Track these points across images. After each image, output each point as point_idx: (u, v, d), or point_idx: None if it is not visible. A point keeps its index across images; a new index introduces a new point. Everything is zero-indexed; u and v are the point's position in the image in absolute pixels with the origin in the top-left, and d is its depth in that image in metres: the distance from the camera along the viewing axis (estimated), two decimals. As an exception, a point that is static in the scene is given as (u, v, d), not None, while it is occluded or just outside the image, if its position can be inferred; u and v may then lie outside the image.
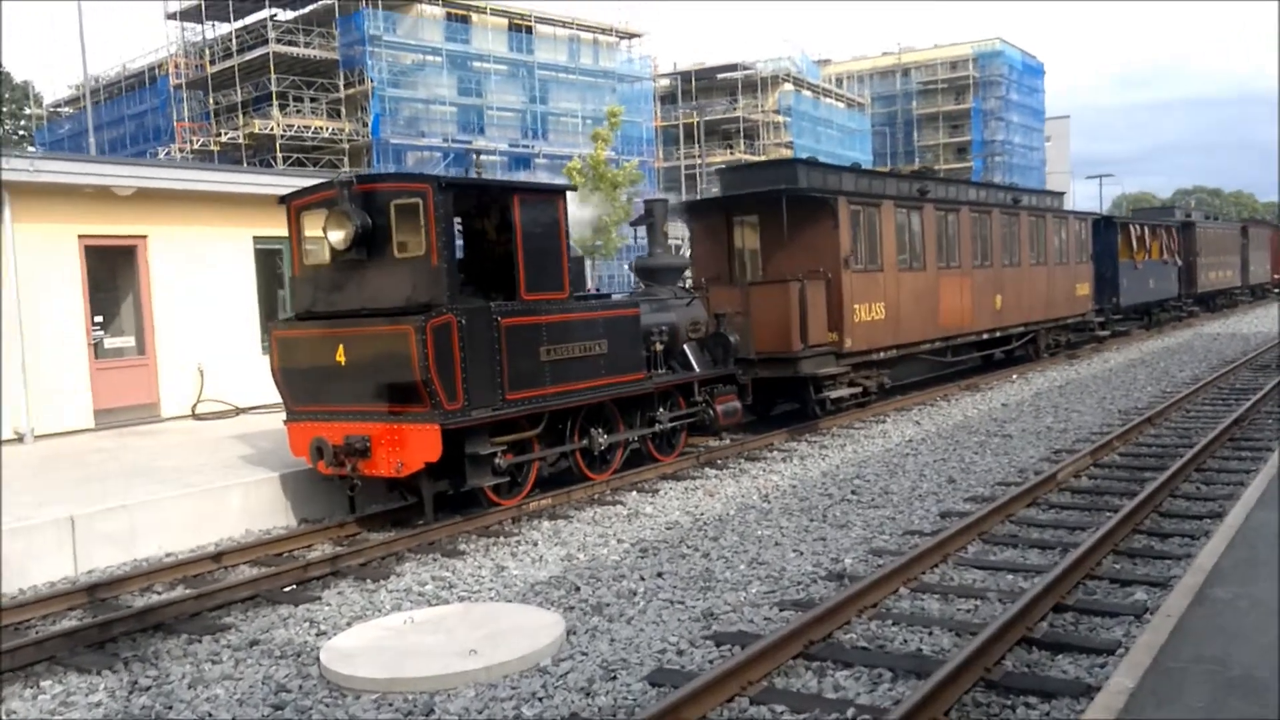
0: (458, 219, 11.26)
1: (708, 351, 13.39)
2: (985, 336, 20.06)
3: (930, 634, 6.58)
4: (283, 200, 10.36)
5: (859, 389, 15.90)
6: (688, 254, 16.52)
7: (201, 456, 11.86)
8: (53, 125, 70.16)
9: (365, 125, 48.76)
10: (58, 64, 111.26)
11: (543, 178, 43.86)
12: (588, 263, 37.01)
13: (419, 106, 50.34)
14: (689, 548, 8.98)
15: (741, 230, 16.08)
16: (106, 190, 13.85)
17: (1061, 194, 25.67)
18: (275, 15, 51.31)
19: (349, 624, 7.36)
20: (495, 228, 10.97)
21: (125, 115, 60.55)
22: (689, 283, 15.21)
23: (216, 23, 53.31)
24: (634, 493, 11.48)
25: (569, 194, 10.93)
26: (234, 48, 50.23)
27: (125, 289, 14.79)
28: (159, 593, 8.35)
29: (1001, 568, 7.94)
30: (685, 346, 13.09)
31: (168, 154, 50.14)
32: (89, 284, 14.09)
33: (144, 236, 14.63)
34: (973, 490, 10.85)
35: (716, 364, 13.36)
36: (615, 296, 11.85)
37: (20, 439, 13.20)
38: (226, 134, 49.78)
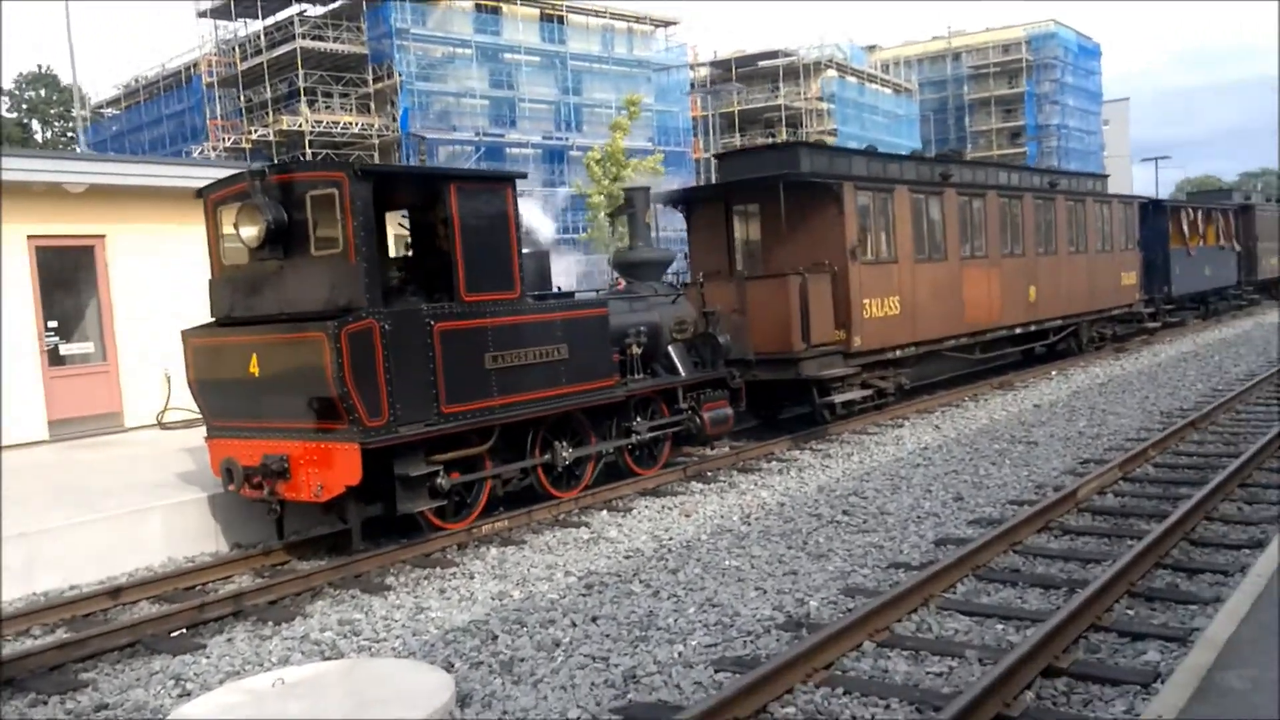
0: (404, 213, 10.24)
1: (696, 353, 12.23)
2: (1018, 331, 18.64)
3: (887, 708, 5.41)
4: (200, 194, 9.41)
5: (871, 391, 14.64)
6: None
7: (143, 473, 10.97)
8: (96, 126, 70.50)
9: (395, 120, 48.05)
10: (102, 65, 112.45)
11: (578, 170, 42.79)
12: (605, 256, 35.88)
13: (449, 100, 49.46)
14: (641, 583, 7.87)
15: (742, 221, 14.89)
16: (58, 188, 13.04)
17: (1105, 176, 24.09)
18: (304, 11, 50.79)
19: (221, 681, 6.36)
20: (443, 222, 9.90)
21: (164, 115, 60.60)
22: (688, 277, 14.09)
23: (247, 20, 52.91)
24: (604, 512, 10.38)
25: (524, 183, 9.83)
26: (262, 45, 49.77)
27: (85, 292, 13.98)
28: (35, 637, 7.42)
29: (992, 614, 6.72)
30: (670, 348, 11.94)
31: (201, 153, 49.91)
32: (41, 287, 13.28)
33: (102, 236, 13.80)
34: (980, 510, 9.60)
35: (705, 367, 12.20)
36: (580, 295, 10.75)
37: (-41, 452, 12.45)
38: (257, 131, 49.36)
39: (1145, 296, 24.43)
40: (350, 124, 48.39)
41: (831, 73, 71.22)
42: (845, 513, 9.74)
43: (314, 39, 48.34)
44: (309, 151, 46.43)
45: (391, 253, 10.43)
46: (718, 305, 12.85)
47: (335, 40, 48.76)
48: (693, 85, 65.54)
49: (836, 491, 10.72)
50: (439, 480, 9.03)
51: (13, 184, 12.63)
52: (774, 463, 12.56)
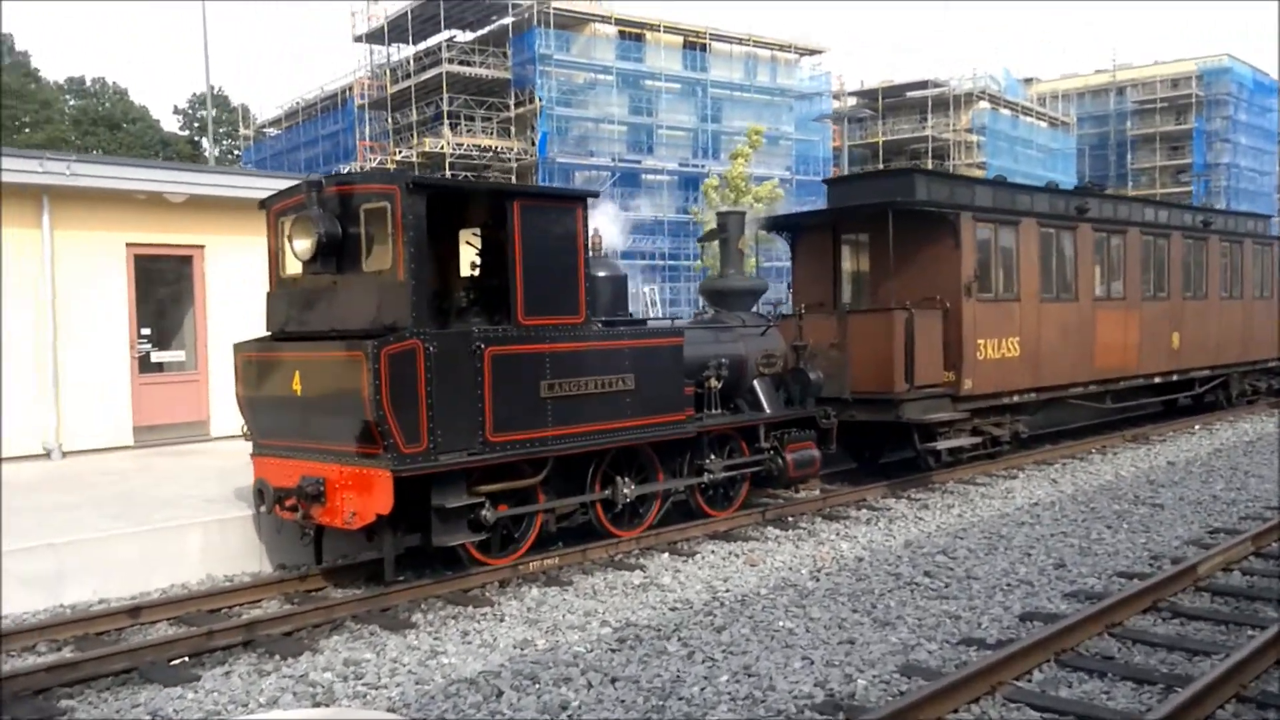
0: (474, 231, 9.80)
1: (785, 389, 11.43)
2: (1158, 380, 17.10)
3: (911, 824, 4.55)
4: (263, 204, 9.17)
5: (982, 438, 13.51)
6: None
7: (207, 485, 10.80)
8: (259, 145, 73.75)
9: (534, 144, 48.49)
10: (267, 87, 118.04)
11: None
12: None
13: (588, 125, 49.66)
14: (679, 640, 7.13)
15: (851, 251, 14.00)
16: (159, 197, 13.16)
17: (1268, 217, 22.12)
18: (454, 36, 51.91)
19: (200, 721, 5.93)
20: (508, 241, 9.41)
21: (320, 135, 62.91)
22: (784, 307, 13.32)
23: (400, 45, 54.47)
24: (665, 555, 9.66)
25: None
26: (410, 69, 51.10)
27: (182, 301, 14.06)
28: (40, 654, 7.16)
29: (1067, 711, 5.73)
30: (756, 383, 11.18)
31: (349, 172, 51.39)
32: (138, 295, 13.42)
33: (201, 246, 13.88)
34: (1082, 581, 8.50)
35: (793, 404, 11.38)
36: (653, 323, 10.08)
37: (48, 455, 12.57)
38: (401, 152, 50.59)
39: (1310, 349, 22.26)
40: (490, 147, 49.04)
41: (983, 104, 68.90)
42: (927, 574, 8.78)
43: (461, 64, 49.29)
44: (448, 173, 47.27)
45: (464, 271, 9.99)
46: (811, 339, 12.04)
47: (481, 65, 49.59)
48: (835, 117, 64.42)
49: (925, 548, 9.75)
50: (484, 512, 8.51)
51: (114, 192, 12.81)
52: (863, 511, 11.62)
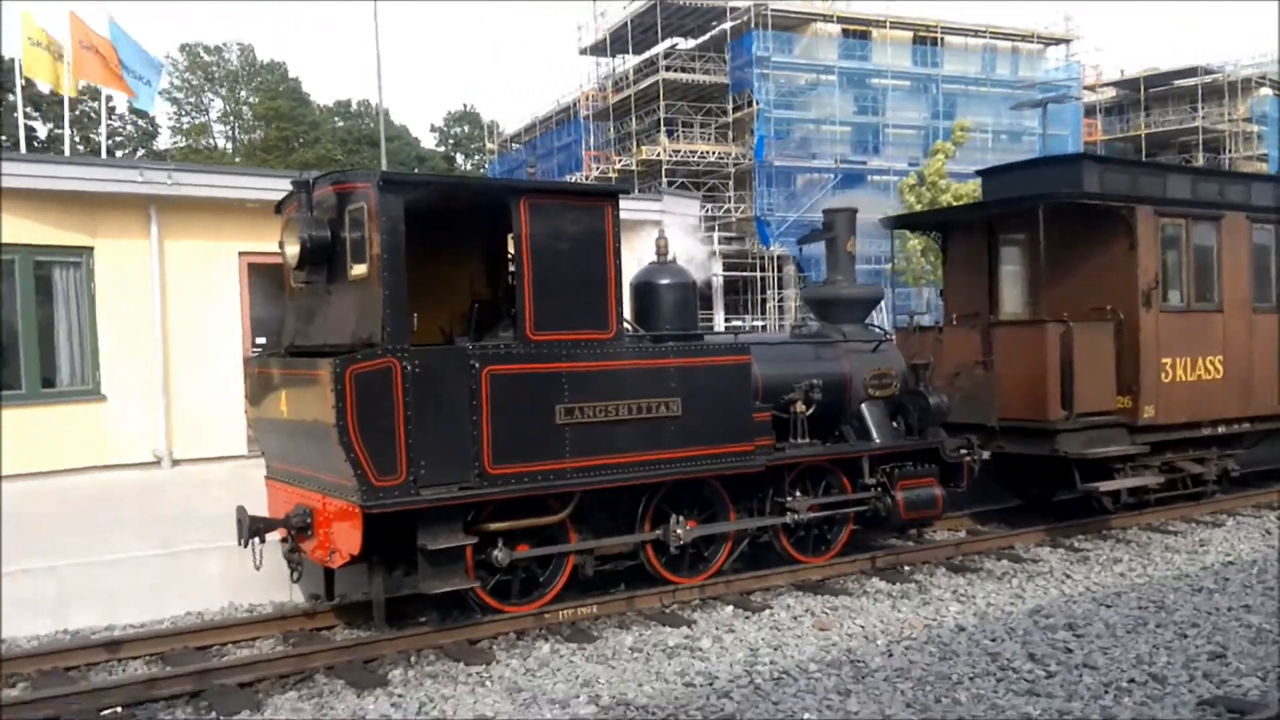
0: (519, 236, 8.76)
1: (903, 415, 9.73)
2: None
3: None
4: (279, 207, 8.52)
5: (1166, 478, 11.19)
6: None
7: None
8: (504, 157, 76.31)
9: (751, 148, 47.26)
10: (514, 103, 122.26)
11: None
12: (922, 291, 31.93)
13: (809, 127, 47.85)
14: (667, 731, 5.80)
15: (1014, 252, 11.99)
16: (271, 205, 12.92)
17: None
18: (675, 45, 51.53)
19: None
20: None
21: (555, 147, 64.33)
22: (926, 318, 11.56)
23: (625, 56, 54.66)
24: (729, 609, 8.28)
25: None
26: (630, 79, 51.17)
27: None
28: (-10, 691, 6.69)
29: None
30: (864, 406, 9.56)
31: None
32: (252, 303, 13.28)
33: (317, 254, 13.58)
34: (1235, 682, 6.47)
35: (911, 433, 9.67)
36: (710, 337, 8.67)
37: (158, 463, 12.57)
38: (622, 160, 50.65)
39: None
40: (707, 153, 48.24)
41: (1265, 91, 61.67)
42: (1034, 657, 6.98)
43: (680, 70, 48.79)
44: (664, 180, 46.85)
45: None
46: (953, 357, 10.32)
47: (701, 71, 48.92)
48: (1091, 110, 59.43)
49: (1052, 619, 7.88)
50: (495, 553, 7.46)
51: (216, 200, 12.69)
52: (1003, 562, 9.75)
